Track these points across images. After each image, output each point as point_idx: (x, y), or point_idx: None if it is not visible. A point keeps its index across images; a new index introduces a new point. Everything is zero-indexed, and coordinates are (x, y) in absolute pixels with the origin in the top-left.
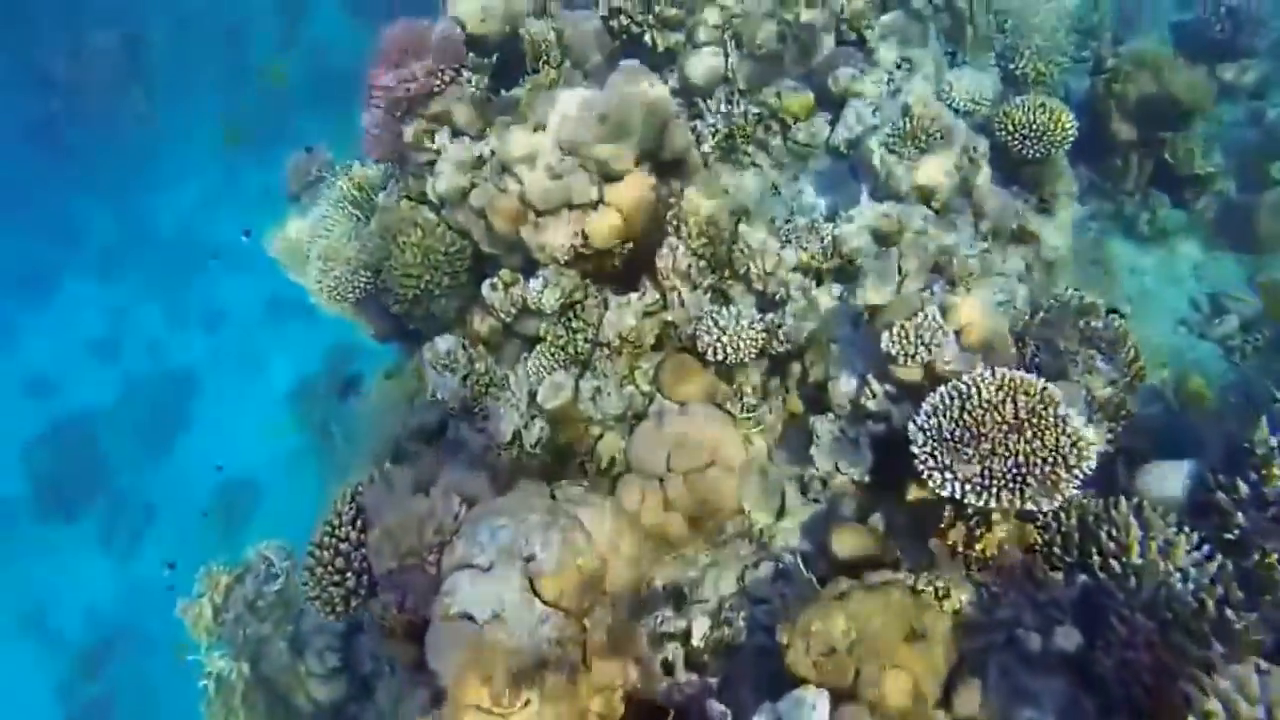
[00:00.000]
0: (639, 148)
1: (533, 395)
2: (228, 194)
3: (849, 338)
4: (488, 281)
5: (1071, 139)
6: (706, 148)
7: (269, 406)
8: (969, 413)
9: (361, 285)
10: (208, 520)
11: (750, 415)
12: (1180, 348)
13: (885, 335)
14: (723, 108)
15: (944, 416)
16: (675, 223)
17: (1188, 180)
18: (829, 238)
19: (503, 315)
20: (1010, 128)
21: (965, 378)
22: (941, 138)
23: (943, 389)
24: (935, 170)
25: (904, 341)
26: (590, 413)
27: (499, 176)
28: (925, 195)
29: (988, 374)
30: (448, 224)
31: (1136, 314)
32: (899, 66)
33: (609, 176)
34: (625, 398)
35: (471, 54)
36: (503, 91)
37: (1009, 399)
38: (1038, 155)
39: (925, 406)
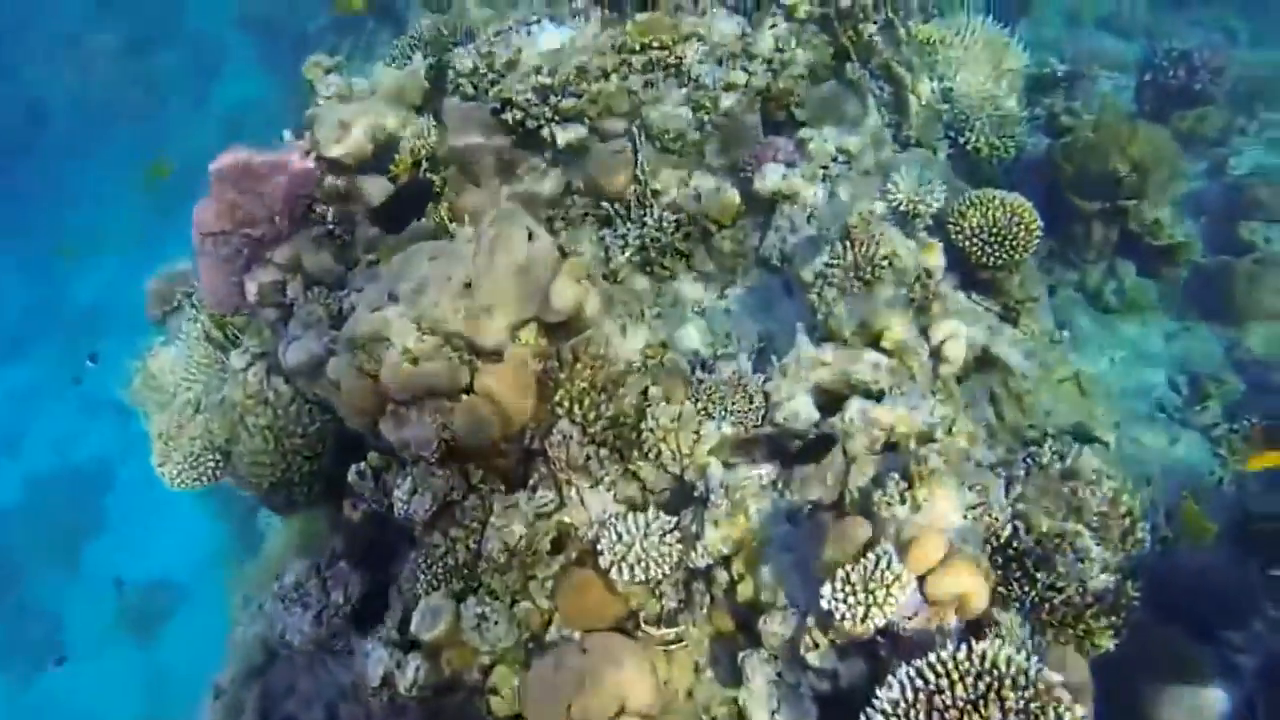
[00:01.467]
0: (517, 315)
1: (406, 621)
2: (146, 266)
3: (786, 539)
4: (354, 469)
5: (1038, 241)
6: (620, 261)
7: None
8: (939, 711)
9: (208, 470)
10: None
11: (670, 636)
12: (1161, 440)
13: (826, 588)
14: (635, 214)
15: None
16: (567, 403)
17: (1155, 248)
18: (758, 395)
19: (375, 507)
20: (967, 231)
21: (932, 659)
22: (889, 264)
23: (902, 675)
24: (884, 313)
25: (850, 597)
26: (476, 643)
27: (351, 353)
28: (873, 338)
29: (963, 653)
30: (304, 396)
31: (1109, 398)
32: (835, 159)
33: (481, 352)
34: (518, 622)
35: (331, 181)
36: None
37: (991, 693)
38: (1000, 263)
39: (879, 702)
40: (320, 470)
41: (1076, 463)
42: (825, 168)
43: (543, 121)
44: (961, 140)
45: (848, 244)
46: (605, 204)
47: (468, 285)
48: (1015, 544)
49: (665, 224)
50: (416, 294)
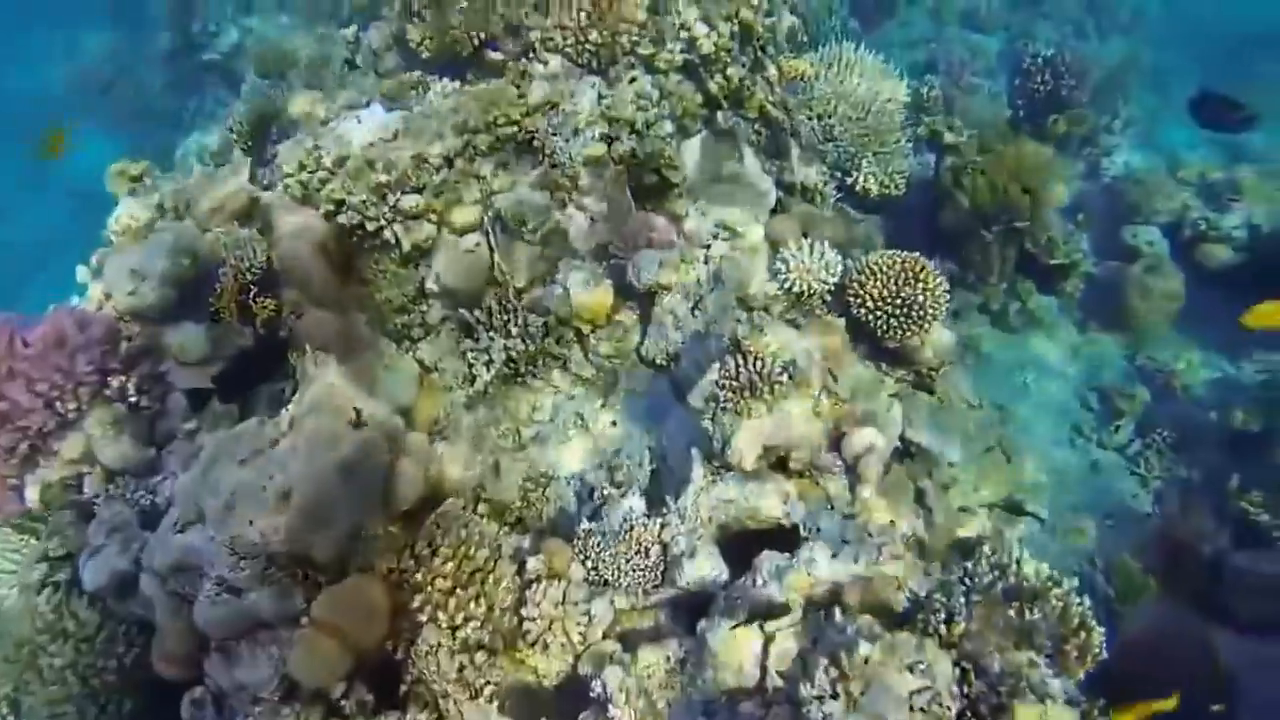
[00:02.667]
0: (351, 522)
1: None
2: None
3: None
4: (188, 698)
5: (946, 306)
6: (484, 379)
7: None
8: None
9: None
10: None
11: None
12: (1083, 465)
13: None
14: (498, 319)
15: None
16: (430, 609)
17: (1052, 265)
18: (655, 548)
19: None
20: (869, 305)
21: None
22: (789, 376)
23: None
24: (788, 432)
25: None
26: None
27: (160, 581)
28: (780, 461)
29: None
30: (118, 619)
31: (1028, 426)
32: (716, 235)
33: (315, 570)
34: None
35: (129, 338)
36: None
37: None
38: (908, 335)
39: None
40: (142, 708)
41: (1019, 578)
42: (706, 247)
43: (384, 223)
44: (849, 180)
45: (738, 357)
46: (463, 309)
47: (286, 495)
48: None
49: (532, 329)
50: (226, 512)
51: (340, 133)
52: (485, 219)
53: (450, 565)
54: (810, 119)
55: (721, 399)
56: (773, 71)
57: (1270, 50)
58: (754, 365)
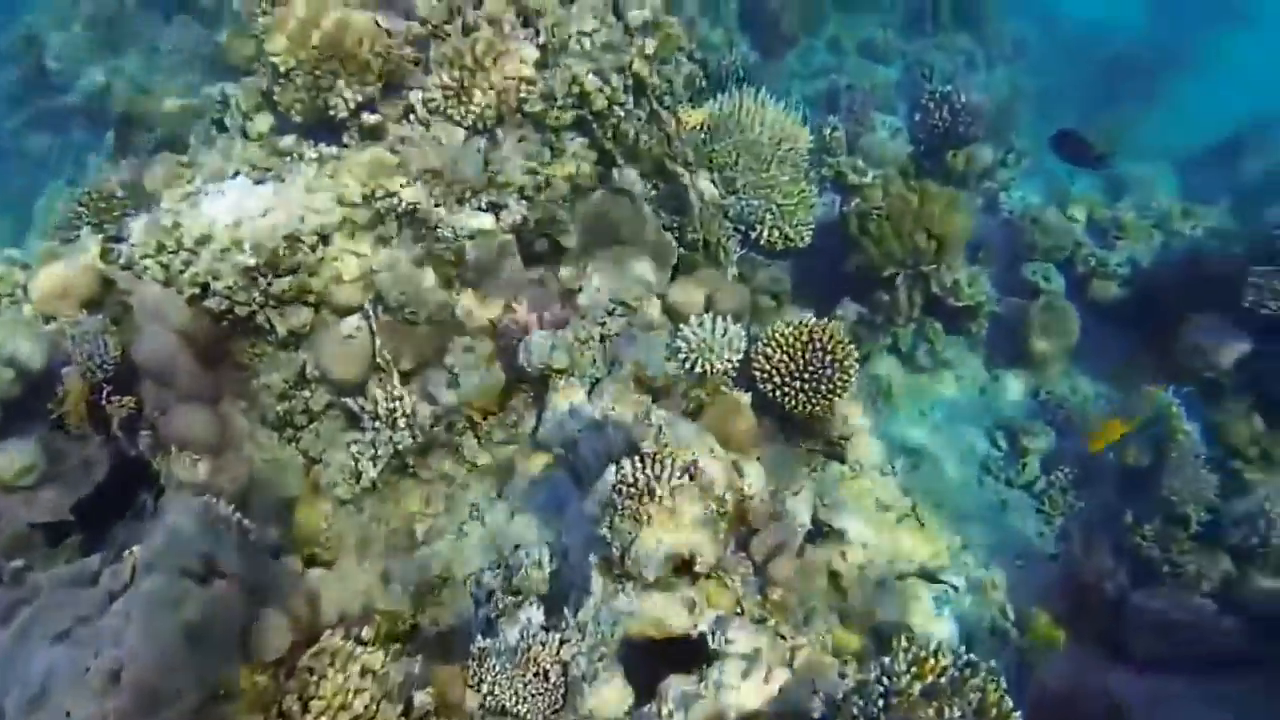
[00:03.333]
0: (199, 697)
1: None
2: None
3: None
4: None
5: (855, 376)
6: (370, 476)
7: None
8: None
9: None
10: None
11: None
12: (993, 506)
13: None
14: (384, 408)
15: None
16: None
17: (958, 307)
18: (555, 670)
19: None
20: (776, 380)
21: None
22: (690, 477)
23: None
24: (691, 538)
25: None
26: None
27: None
28: (684, 565)
29: None
30: None
31: (940, 469)
32: (612, 312)
33: None
34: None
35: None
36: None
37: None
38: (818, 407)
39: None
40: None
41: (935, 673)
42: (601, 323)
43: (255, 308)
44: (753, 235)
45: (636, 461)
46: (347, 399)
47: (117, 675)
48: None
49: (420, 419)
50: (34, 707)
51: (205, 208)
52: (366, 300)
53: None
54: (711, 172)
55: (620, 505)
56: (671, 123)
57: (1132, 75)
58: (653, 469)
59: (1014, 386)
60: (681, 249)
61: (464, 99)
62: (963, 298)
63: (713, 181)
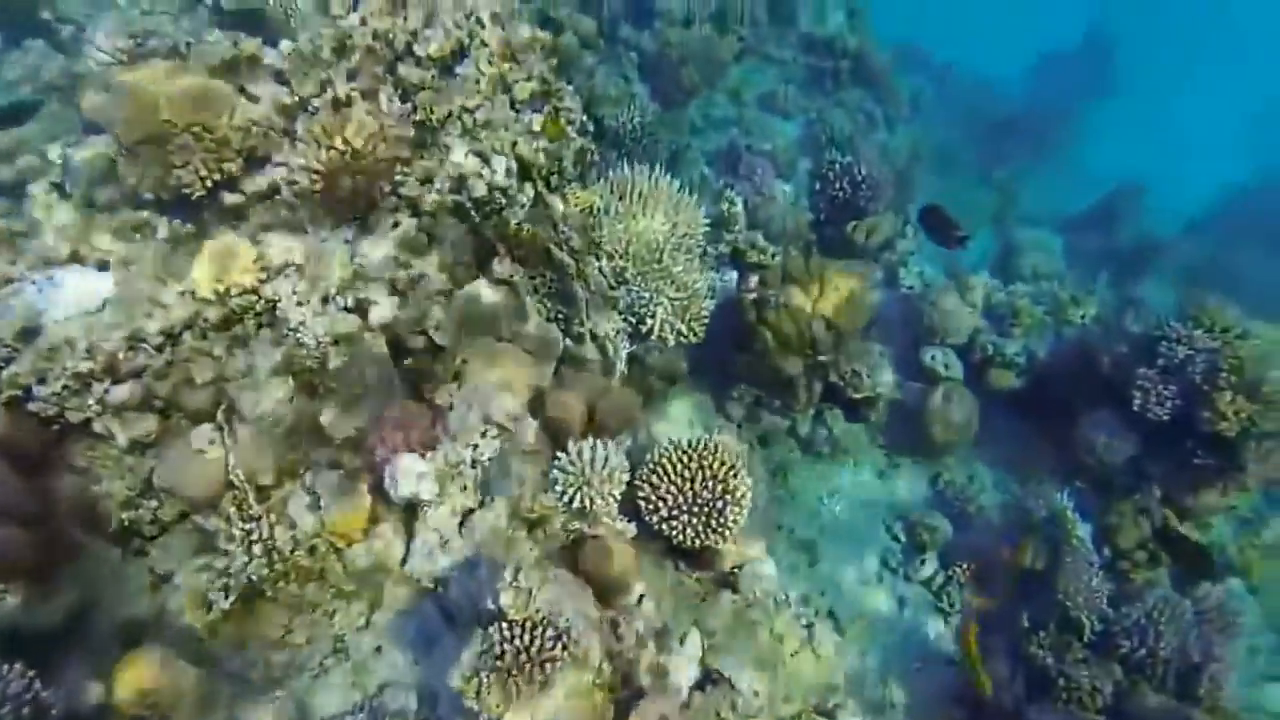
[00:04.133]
0: None
1: None
2: None
3: None
4: None
5: (748, 508)
6: (222, 606)
7: None
8: None
9: None
10: None
11: None
12: (891, 605)
13: None
14: (239, 530)
15: None
16: None
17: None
18: None
19: None
20: (664, 512)
21: None
22: (564, 648)
23: None
24: (561, 708)
25: None
26: None
27: None
28: None
29: None
30: None
31: (837, 564)
32: (485, 433)
33: None
34: None
35: None
36: None
37: None
38: (707, 542)
39: None
40: None
41: None
42: (474, 445)
43: (91, 416)
44: (644, 328)
45: (503, 629)
46: (198, 517)
47: None
48: None
49: (279, 545)
50: None
51: (29, 300)
52: (219, 412)
53: None
54: (600, 260)
55: (486, 678)
56: (558, 207)
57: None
58: (522, 639)
59: (913, 474)
60: (567, 340)
61: (332, 183)
62: (862, 390)
63: (601, 271)
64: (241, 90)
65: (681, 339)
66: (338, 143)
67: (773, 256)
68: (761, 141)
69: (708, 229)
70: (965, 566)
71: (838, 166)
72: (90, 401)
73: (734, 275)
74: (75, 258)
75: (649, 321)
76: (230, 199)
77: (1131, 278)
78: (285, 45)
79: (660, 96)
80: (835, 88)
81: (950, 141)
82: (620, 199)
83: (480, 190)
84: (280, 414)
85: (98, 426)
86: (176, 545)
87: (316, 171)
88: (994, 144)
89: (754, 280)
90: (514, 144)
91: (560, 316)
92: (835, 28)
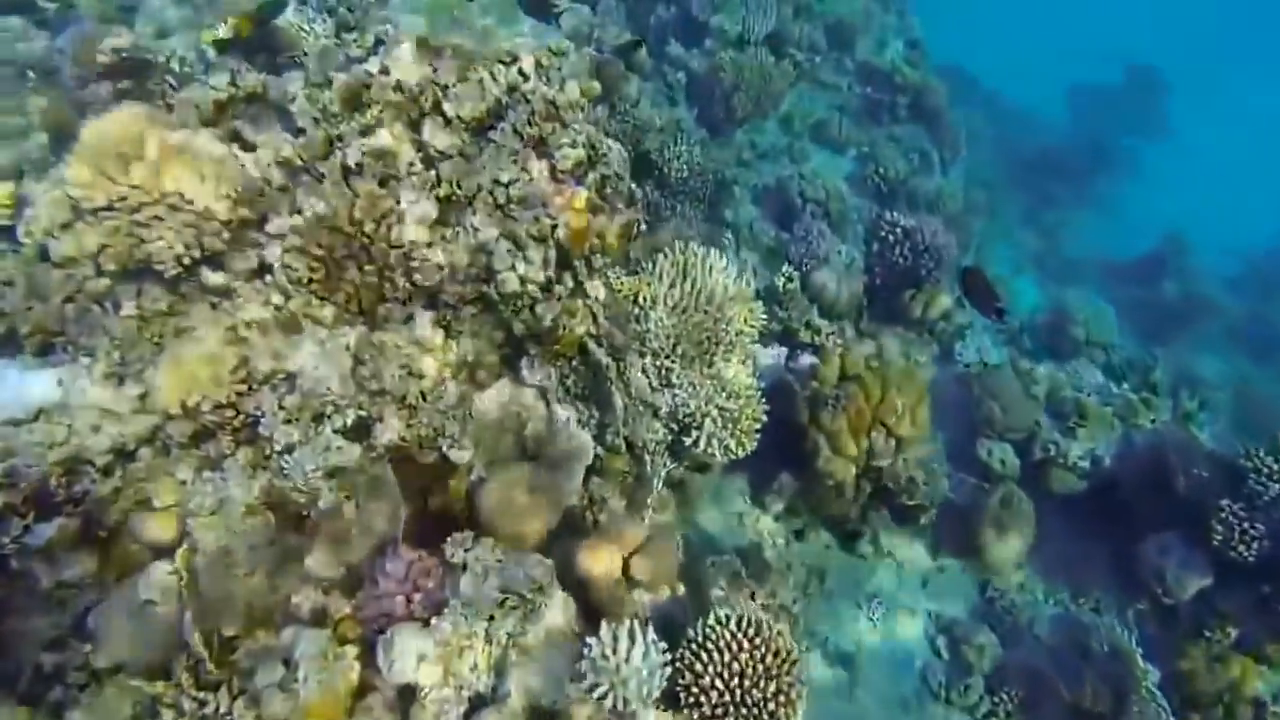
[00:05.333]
0: None
1: None
2: None
3: None
4: None
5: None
6: None
7: None
8: None
9: None
10: None
11: None
12: None
13: None
14: (189, 708)
15: None
16: None
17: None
18: None
19: None
20: (706, 709)
21: None
22: None
23: None
24: None
25: None
26: None
27: None
28: None
29: None
30: None
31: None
32: (503, 603)
33: None
34: None
35: None
36: None
37: None
38: None
39: None
40: None
41: None
42: (490, 619)
43: (8, 553)
44: (687, 440)
45: None
46: (142, 681)
47: None
48: None
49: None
50: None
51: None
52: (183, 548)
53: None
54: (643, 358)
55: None
56: (600, 294)
57: (1062, 175)
58: None
59: (961, 580)
60: (599, 448)
61: (334, 272)
62: (916, 499)
63: (644, 371)
64: (236, 138)
65: (728, 455)
66: (344, 222)
67: (826, 336)
68: (815, 187)
69: (763, 319)
70: (1014, 695)
71: (899, 230)
72: (4, 540)
73: (781, 352)
74: (8, 339)
75: (694, 433)
76: (213, 279)
77: (1183, 342)
78: (293, 85)
79: (707, 121)
80: (890, 120)
81: (994, 176)
82: (670, 285)
83: (512, 285)
84: (254, 559)
85: (15, 565)
86: (109, 707)
87: (316, 259)
88: (1037, 179)
89: (805, 359)
90: (554, 226)
91: (593, 420)
92: (894, 58)
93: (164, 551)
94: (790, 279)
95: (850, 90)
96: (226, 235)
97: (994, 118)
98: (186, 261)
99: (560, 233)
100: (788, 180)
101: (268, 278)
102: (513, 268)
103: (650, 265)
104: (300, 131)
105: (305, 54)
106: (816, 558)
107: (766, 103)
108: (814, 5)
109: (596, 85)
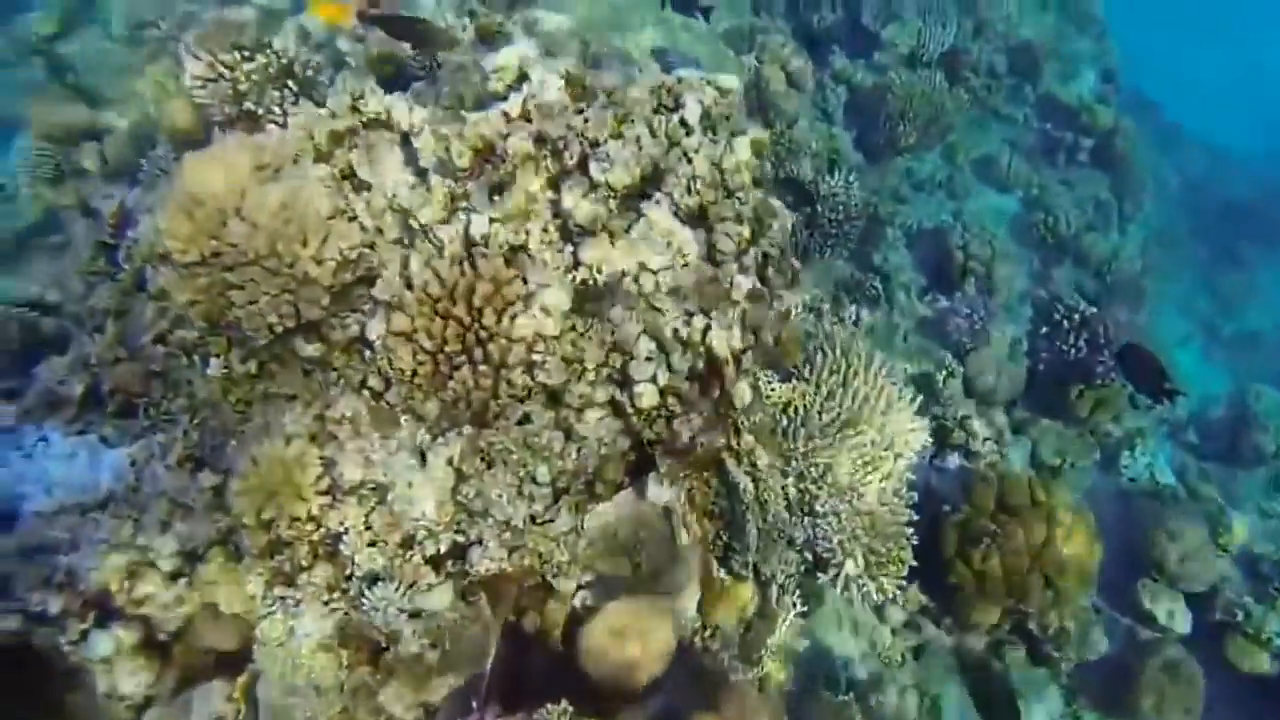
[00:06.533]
0: None
1: None
2: None
3: None
4: None
5: None
6: None
7: None
8: None
9: None
10: None
11: None
12: None
13: None
14: None
15: None
16: None
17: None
18: None
19: None
20: None
21: None
22: None
23: None
24: None
25: None
26: None
27: None
28: None
29: None
30: None
31: None
32: None
33: None
34: None
35: None
36: None
37: None
38: None
39: None
40: None
41: None
42: None
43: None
44: (822, 576)
45: None
46: None
47: None
48: None
49: None
50: None
51: (6, 471)
52: (240, 679)
53: None
54: (785, 478)
55: None
56: (745, 400)
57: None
58: None
59: None
60: (724, 572)
61: (443, 368)
62: (1065, 650)
63: (784, 493)
64: (349, 177)
65: (867, 601)
66: (461, 311)
67: (984, 442)
68: (978, 243)
69: (930, 440)
70: None
71: (1077, 316)
72: (62, 642)
73: (929, 452)
74: (89, 397)
75: (832, 570)
76: (307, 350)
77: None
78: (419, 114)
79: (864, 145)
80: (1067, 162)
81: (1173, 226)
82: (827, 396)
83: (650, 400)
84: (320, 696)
85: (72, 665)
86: None
87: (422, 350)
88: (1222, 232)
89: (953, 460)
90: (705, 329)
91: (719, 541)
92: (1083, 92)
93: (226, 661)
94: (951, 373)
95: (1026, 124)
96: (326, 301)
97: (1176, 154)
98: (279, 330)
99: (715, 339)
100: (947, 230)
101: (367, 354)
102: (653, 379)
103: (806, 368)
104: (421, 174)
105: (438, 67)
106: (933, 684)
107: (934, 133)
108: (997, 23)
109: (767, 138)
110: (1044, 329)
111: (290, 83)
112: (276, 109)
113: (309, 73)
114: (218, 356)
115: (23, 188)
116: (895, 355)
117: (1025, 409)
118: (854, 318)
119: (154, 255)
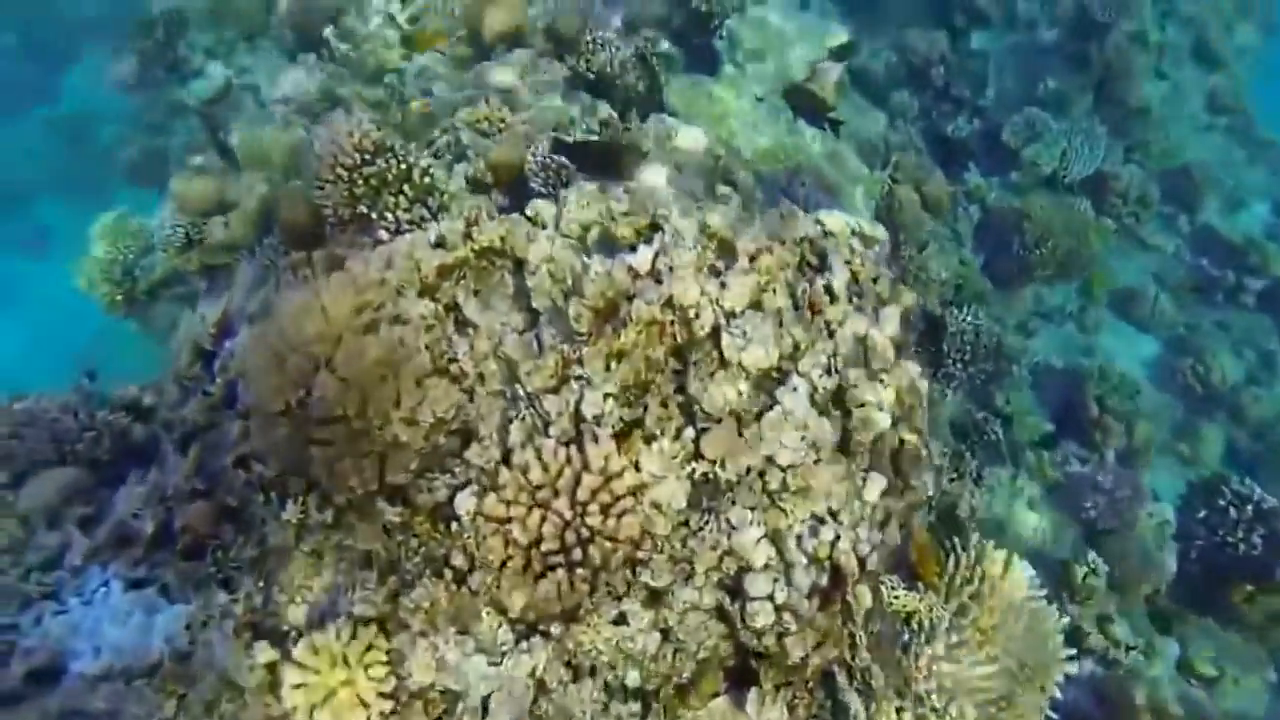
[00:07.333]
0: None
1: None
2: None
3: None
4: None
5: None
6: None
7: None
8: None
9: None
10: None
11: None
12: None
13: None
14: None
15: None
16: None
17: None
18: None
19: None
20: None
21: None
22: None
23: None
24: None
25: None
26: None
27: None
28: None
29: None
30: None
31: None
32: None
33: None
34: None
35: None
36: None
37: None
38: None
39: None
40: None
41: None
42: None
43: None
44: None
45: None
46: None
47: None
48: None
49: None
50: None
51: (62, 622)
52: None
53: None
54: (903, 698)
55: None
56: (864, 605)
57: None
58: None
59: None
60: None
61: (535, 567)
62: None
63: (899, 712)
64: (453, 311)
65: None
66: (563, 506)
67: (1127, 651)
68: (1120, 396)
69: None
70: None
71: (1250, 508)
72: None
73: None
74: (159, 537)
75: None
76: (389, 514)
77: None
78: (536, 250)
79: (993, 270)
80: (1226, 302)
81: None
82: (956, 610)
83: (765, 619)
84: None
85: None
86: None
87: (516, 542)
88: None
89: (1087, 665)
90: (834, 540)
91: None
92: (1250, 225)
93: None
94: (1094, 571)
95: (1178, 256)
96: (414, 465)
97: None
98: (360, 493)
99: (842, 551)
100: (1082, 375)
101: (453, 526)
102: (770, 597)
103: (937, 569)
104: (533, 316)
105: (563, 187)
106: None
107: (1073, 266)
108: (1153, 143)
109: (912, 299)
110: (1203, 512)
111: (407, 189)
112: (389, 216)
113: (426, 179)
114: (295, 500)
115: (158, 249)
116: (1020, 533)
117: (1170, 600)
118: (974, 473)
119: (243, 371)
